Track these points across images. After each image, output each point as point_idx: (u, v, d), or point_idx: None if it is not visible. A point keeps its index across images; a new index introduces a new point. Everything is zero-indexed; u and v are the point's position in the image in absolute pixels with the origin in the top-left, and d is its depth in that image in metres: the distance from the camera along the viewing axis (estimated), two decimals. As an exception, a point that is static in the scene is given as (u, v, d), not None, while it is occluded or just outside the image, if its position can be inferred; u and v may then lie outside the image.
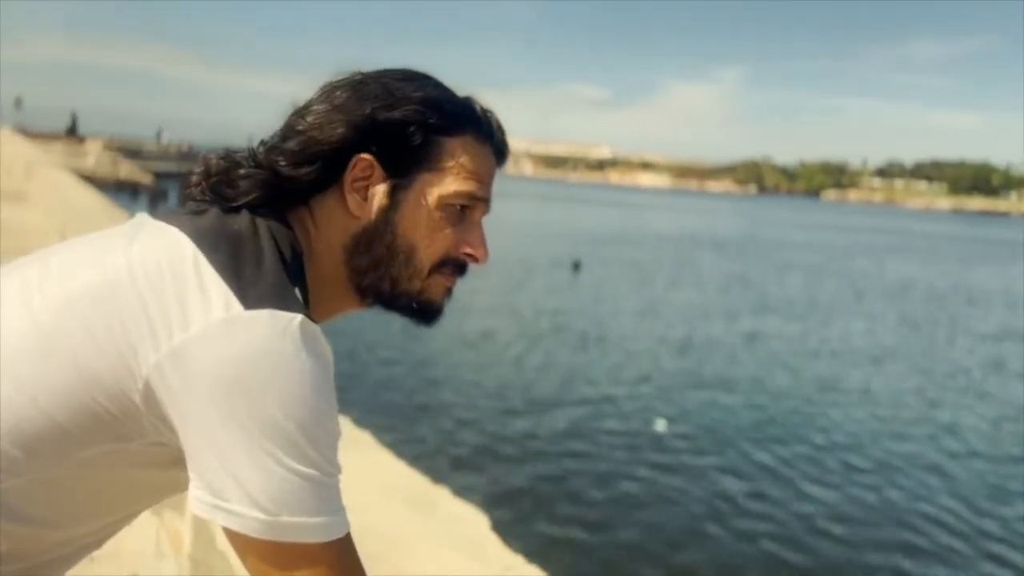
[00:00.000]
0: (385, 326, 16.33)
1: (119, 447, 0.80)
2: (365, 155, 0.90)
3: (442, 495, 3.32)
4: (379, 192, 0.92)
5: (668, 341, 16.72)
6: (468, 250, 0.96)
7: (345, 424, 4.08)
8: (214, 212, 0.87)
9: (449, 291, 0.99)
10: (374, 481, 3.26)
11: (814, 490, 9.11)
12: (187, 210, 0.89)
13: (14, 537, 0.82)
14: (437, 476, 3.74)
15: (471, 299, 20.65)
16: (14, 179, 20.88)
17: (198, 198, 0.91)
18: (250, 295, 0.77)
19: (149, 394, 0.77)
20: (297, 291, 0.82)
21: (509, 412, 10.98)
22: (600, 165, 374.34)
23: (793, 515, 8.36)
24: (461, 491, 3.82)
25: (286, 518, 0.76)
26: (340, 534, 0.80)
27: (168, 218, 0.86)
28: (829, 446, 10.64)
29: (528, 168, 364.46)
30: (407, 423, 9.95)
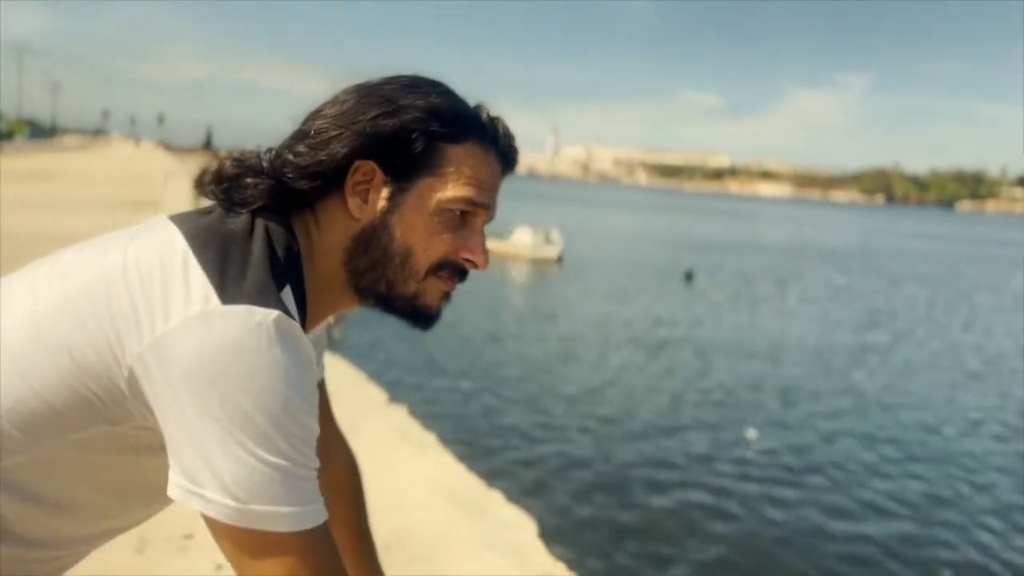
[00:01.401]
0: (477, 329, 16.59)
1: (110, 430, 0.85)
2: (367, 160, 0.92)
3: (495, 499, 3.33)
4: (379, 195, 0.93)
5: (771, 353, 16.24)
6: (467, 255, 0.96)
7: (412, 426, 4.18)
8: (218, 213, 0.90)
9: (447, 296, 0.99)
10: (431, 482, 3.31)
11: (901, 506, 8.74)
12: (197, 211, 0.94)
13: (25, 518, 0.88)
14: (500, 480, 3.74)
15: (580, 306, 20.66)
16: (153, 188, 22.43)
17: (210, 197, 0.95)
18: (229, 291, 0.79)
19: (133, 382, 0.80)
20: (289, 289, 0.84)
21: (591, 419, 10.89)
22: (718, 174, 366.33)
23: (877, 534, 7.99)
24: (518, 496, 3.82)
25: (255, 506, 0.77)
26: (310, 524, 0.80)
27: (176, 218, 0.91)
28: (919, 464, 10.17)
29: (642, 178, 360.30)
30: (480, 425, 10.03)
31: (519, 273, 27.69)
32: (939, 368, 16.17)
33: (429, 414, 7.94)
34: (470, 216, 0.96)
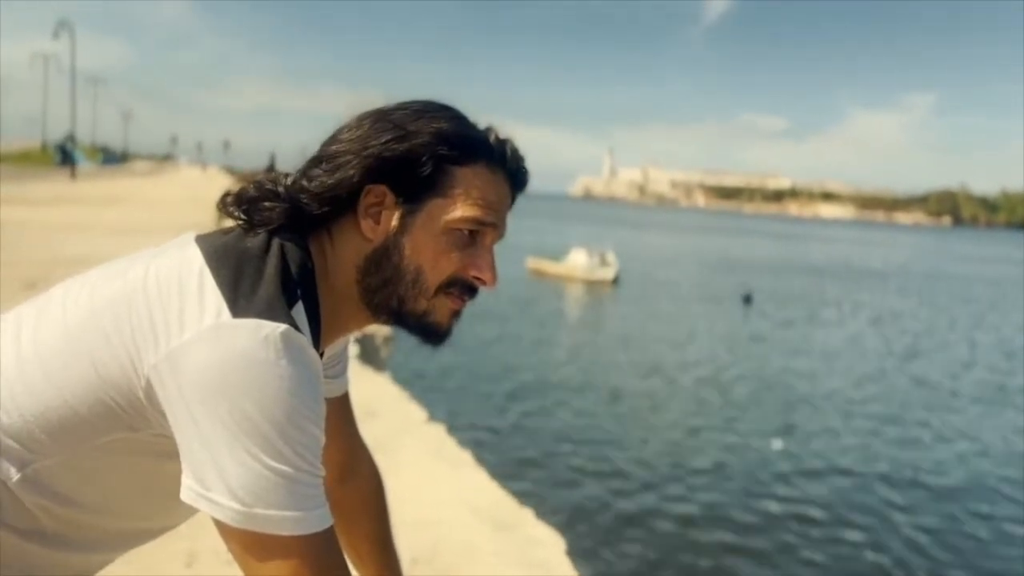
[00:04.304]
0: (528, 350, 16.59)
1: (131, 436, 0.89)
2: (378, 184, 0.95)
3: (526, 517, 3.35)
4: (391, 217, 0.96)
5: (825, 378, 15.95)
6: (475, 273, 0.99)
7: (449, 444, 4.24)
8: (237, 232, 0.94)
9: (456, 313, 1.02)
10: (464, 499, 3.35)
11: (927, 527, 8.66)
12: (219, 230, 0.99)
13: (57, 517, 0.92)
14: (533, 499, 3.76)
15: (634, 329, 20.52)
16: (212, 211, 23.05)
17: (232, 217, 1.00)
18: (240, 305, 0.83)
19: (150, 391, 0.84)
20: (301, 305, 0.88)
21: (633, 442, 10.86)
22: (778, 196, 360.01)
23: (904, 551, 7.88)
24: (548, 514, 3.84)
25: (260, 510, 0.81)
26: (313, 529, 0.83)
27: (198, 237, 0.97)
28: (949, 489, 10.02)
29: (700, 200, 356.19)
30: (519, 445, 10.06)
31: (574, 295, 27.64)
32: (969, 393, 15.84)
33: (468, 433, 8.00)
34: (479, 235, 0.99)
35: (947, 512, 9.20)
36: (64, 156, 52.34)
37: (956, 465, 11.04)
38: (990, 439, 12.64)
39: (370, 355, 7.70)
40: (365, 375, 6.22)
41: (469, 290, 1.01)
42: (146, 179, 49.04)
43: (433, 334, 1.02)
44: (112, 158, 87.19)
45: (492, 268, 1.00)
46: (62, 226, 14.95)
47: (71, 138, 54.70)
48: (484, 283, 1.00)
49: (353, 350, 9.06)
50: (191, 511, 0.97)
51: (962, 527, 8.77)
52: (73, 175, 40.21)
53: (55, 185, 31.56)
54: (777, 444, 11.06)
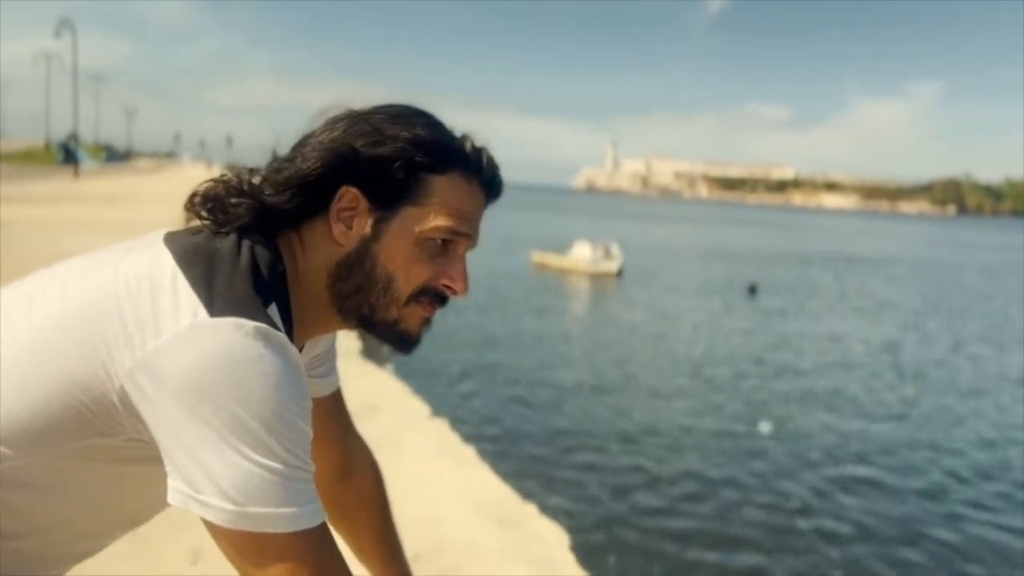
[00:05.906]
0: (531, 343, 16.61)
1: (102, 442, 0.87)
2: (351, 187, 0.94)
3: (530, 512, 3.34)
4: (363, 223, 0.95)
5: (831, 369, 15.91)
6: (447, 282, 0.98)
7: (452, 439, 4.23)
8: (206, 233, 0.92)
9: (427, 321, 1.01)
10: (467, 496, 3.34)
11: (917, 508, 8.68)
12: (188, 229, 0.97)
13: (23, 516, 0.90)
14: (535, 494, 3.74)
15: (638, 321, 20.51)
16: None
17: (199, 217, 0.97)
18: (216, 304, 0.82)
19: (124, 396, 0.82)
20: (275, 306, 0.87)
21: (638, 436, 10.77)
22: (781, 186, 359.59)
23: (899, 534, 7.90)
24: (551, 510, 3.81)
25: (253, 509, 0.79)
26: (308, 525, 0.82)
27: (167, 237, 0.93)
28: (940, 473, 9.98)
29: (703, 191, 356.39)
30: (522, 439, 10.00)
31: (578, 288, 27.62)
32: (957, 382, 15.92)
33: (471, 428, 7.93)
34: (452, 244, 0.98)
35: (938, 497, 9.19)
36: (67, 154, 52.50)
37: (950, 454, 11.03)
38: (983, 426, 12.69)
39: (372, 350, 7.69)
40: (367, 370, 6.21)
41: (440, 298, 1.00)
42: (150, 176, 49.10)
43: (403, 342, 1.02)
44: (115, 156, 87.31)
45: (464, 278, 0.99)
46: (65, 224, 14.98)
47: (74, 136, 54.87)
48: (455, 293, 1.00)
49: (356, 346, 9.07)
50: (162, 508, 0.96)
51: (952, 510, 8.76)
52: (76, 173, 40.33)
53: (58, 183, 31.61)
54: (765, 427, 11.16)
